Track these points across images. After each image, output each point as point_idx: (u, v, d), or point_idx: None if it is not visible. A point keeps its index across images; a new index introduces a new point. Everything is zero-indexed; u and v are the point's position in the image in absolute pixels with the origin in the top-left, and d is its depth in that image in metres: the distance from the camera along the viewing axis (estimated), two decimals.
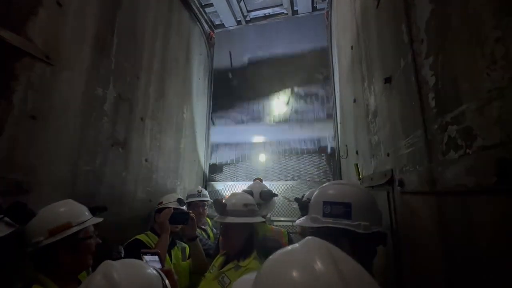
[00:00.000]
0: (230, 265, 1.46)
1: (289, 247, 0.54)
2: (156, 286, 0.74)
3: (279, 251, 0.54)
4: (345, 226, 0.95)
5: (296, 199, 1.80)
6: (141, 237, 1.88)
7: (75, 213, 1.19)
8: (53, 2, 1.46)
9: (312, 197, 1.13)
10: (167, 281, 0.78)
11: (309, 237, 0.55)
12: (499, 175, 0.50)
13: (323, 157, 3.29)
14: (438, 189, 0.74)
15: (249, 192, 2.09)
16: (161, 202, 2.13)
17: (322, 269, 0.44)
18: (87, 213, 1.24)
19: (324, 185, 1.15)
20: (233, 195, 1.70)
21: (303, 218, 1.14)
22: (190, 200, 2.50)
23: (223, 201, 1.60)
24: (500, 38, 0.51)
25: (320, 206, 1.03)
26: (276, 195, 2.22)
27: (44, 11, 1.40)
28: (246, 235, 1.53)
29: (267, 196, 2.12)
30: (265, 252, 1.53)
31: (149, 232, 1.97)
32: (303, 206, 1.15)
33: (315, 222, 1.02)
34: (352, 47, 1.98)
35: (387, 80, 1.15)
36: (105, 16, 1.88)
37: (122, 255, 1.56)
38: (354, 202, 0.98)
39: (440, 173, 0.72)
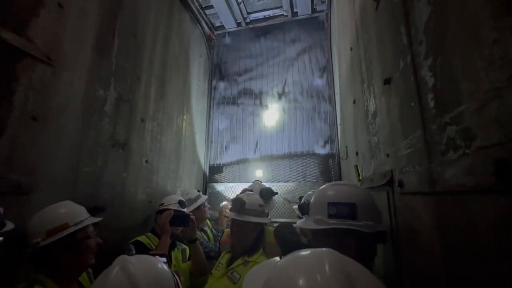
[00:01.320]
0: (238, 261, 1.52)
1: (302, 254, 0.54)
2: (169, 280, 0.78)
3: (292, 256, 0.54)
4: (353, 227, 0.94)
5: (300, 198, 1.82)
6: (142, 238, 1.88)
7: (72, 213, 1.19)
8: (54, 3, 1.47)
9: (312, 198, 1.12)
10: (177, 278, 0.82)
11: (326, 248, 0.54)
12: (498, 175, 0.50)
13: (324, 159, 3.30)
14: (438, 190, 0.74)
15: (250, 190, 2.11)
16: (162, 203, 2.12)
17: (328, 283, 0.44)
18: (85, 214, 1.24)
19: (323, 186, 1.14)
20: (248, 195, 1.76)
21: (303, 220, 1.12)
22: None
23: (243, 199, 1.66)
24: (498, 39, 0.52)
25: (325, 207, 1.02)
26: (276, 193, 2.25)
27: (45, 12, 1.41)
28: (256, 234, 1.61)
29: (267, 194, 2.15)
30: (283, 242, 1.54)
31: (149, 234, 1.97)
32: (303, 208, 1.14)
33: (320, 223, 1.00)
34: (351, 49, 1.99)
35: (387, 81, 1.15)
36: (106, 17, 1.89)
37: (133, 252, 1.57)
38: (358, 202, 0.99)
39: (440, 174, 0.72)
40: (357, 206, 0.98)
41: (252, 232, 1.59)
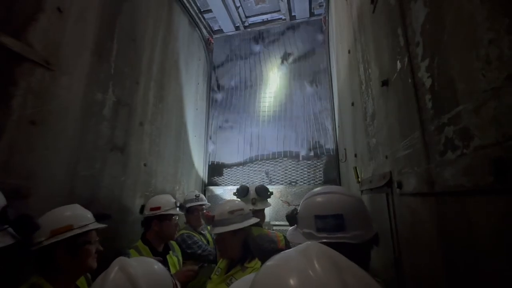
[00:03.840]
0: (237, 267, 1.47)
1: (287, 252, 0.52)
2: (168, 281, 0.78)
3: (277, 256, 0.52)
4: (342, 240, 0.92)
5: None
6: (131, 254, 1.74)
7: (78, 216, 1.20)
8: (53, 8, 1.48)
9: (300, 208, 1.08)
10: (176, 282, 0.83)
11: (309, 242, 0.52)
12: (496, 175, 0.50)
13: (323, 161, 3.30)
14: (437, 190, 0.74)
15: (245, 187, 2.10)
16: (159, 208, 1.98)
17: (322, 277, 0.41)
18: (90, 218, 1.25)
19: (310, 193, 1.09)
20: (218, 205, 1.69)
21: (293, 231, 1.10)
22: (189, 205, 2.48)
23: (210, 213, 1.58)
24: (494, 39, 0.52)
25: (312, 220, 0.99)
26: (272, 193, 2.22)
27: (44, 17, 1.41)
28: (241, 241, 1.50)
29: (262, 191, 2.12)
30: (260, 251, 1.49)
31: (140, 243, 1.87)
32: (292, 218, 1.11)
33: (310, 238, 0.98)
34: (349, 51, 2.00)
35: (384, 83, 1.16)
36: (105, 21, 1.90)
37: (130, 257, 1.56)
38: (346, 212, 0.96)
39: (438, 174, 0.72)
40: (344, 217, 0.95)
41: (233, 241, 1.48)
